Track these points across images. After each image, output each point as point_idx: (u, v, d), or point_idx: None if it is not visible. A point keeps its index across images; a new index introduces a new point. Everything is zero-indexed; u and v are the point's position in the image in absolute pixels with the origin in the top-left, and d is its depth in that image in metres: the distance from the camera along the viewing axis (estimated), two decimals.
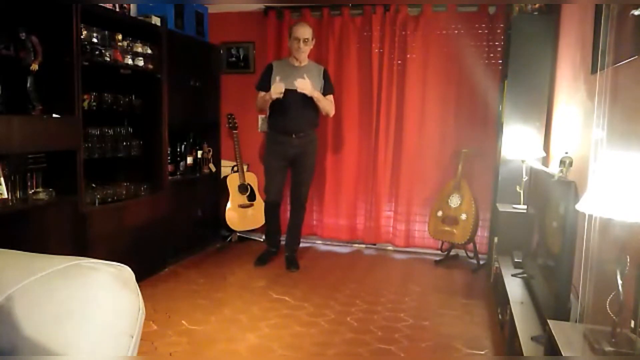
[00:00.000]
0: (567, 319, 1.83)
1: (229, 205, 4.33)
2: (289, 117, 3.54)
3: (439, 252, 4.15)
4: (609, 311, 1.45)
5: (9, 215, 2.53)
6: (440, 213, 3.90)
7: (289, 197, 3.93)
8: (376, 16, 4.14)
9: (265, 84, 3.57)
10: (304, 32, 3.50)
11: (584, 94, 2.46)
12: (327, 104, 3.63)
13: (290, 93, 3.47)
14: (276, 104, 3.54)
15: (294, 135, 3.60)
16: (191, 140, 4.26)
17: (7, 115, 2.43)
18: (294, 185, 3.80)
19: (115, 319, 1.09)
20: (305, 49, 3.54)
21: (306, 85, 3.44)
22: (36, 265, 1.11)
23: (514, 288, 2.55)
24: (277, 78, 3.52)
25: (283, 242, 3.98)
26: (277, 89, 3.44)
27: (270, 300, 3.11)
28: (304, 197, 3.80)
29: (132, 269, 1.21)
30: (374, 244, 4.47)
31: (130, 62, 3.30)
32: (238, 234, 4.53)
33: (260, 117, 4.50)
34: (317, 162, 4.40)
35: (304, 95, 3.49)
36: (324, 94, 3.63)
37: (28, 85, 2.56)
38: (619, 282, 1.39)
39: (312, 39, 3.58)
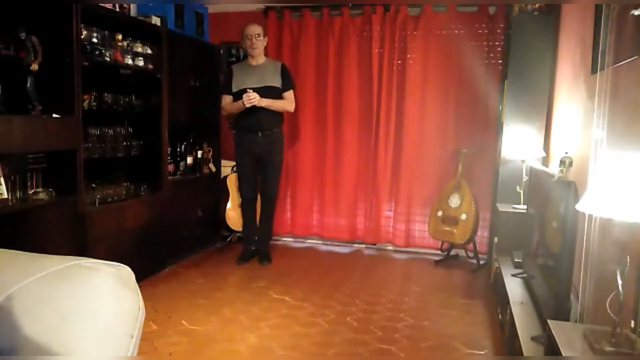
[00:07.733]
0: (567, 319, 1.82)
1: (229, 205, 4.33)
2: (253, 116, 3.67)
3: (439, 252, 4.15)
4: (609, 311, 1.45)
5: (9, 215, 2.53)
6: (440, 213, 3.90)
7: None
8: (376, 16, 4.14)
9: (227, 88, 3.79)
10: (254, 29, 3.72)
11: (584, 94, 2.46)
12: (280, 105, 3.77)
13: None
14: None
15: (259, 133, 3.75)
16: (191, 140, 4.26)
17: (7, 115, 2.43)
18: (262, 183, 3.93)
19: (115, 319, 1.09)
20: (258, 45, 3.73)
21: (253, 98, 3.57)
22: (36, 265, 1.11)
23: (514, 288, 2.55)
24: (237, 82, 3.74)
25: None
26: (248, 100, 3.58)
27: (270, 300, 3.11)
28: (274, 193, 3.96)
29: (132, 269, 1.21)
30: (374, 244, 4.46)
31: (130, 62, 3.30)
32: (238, 234, 4.51)
33: None
34: (316, 162, 4.45)
35: (265, 93, 3.63)
36: (283, 89, 3.77)
37: (28, 85, 2.56)
38: (619, 282, 1.39)
39: (264, 36, 3.79)
